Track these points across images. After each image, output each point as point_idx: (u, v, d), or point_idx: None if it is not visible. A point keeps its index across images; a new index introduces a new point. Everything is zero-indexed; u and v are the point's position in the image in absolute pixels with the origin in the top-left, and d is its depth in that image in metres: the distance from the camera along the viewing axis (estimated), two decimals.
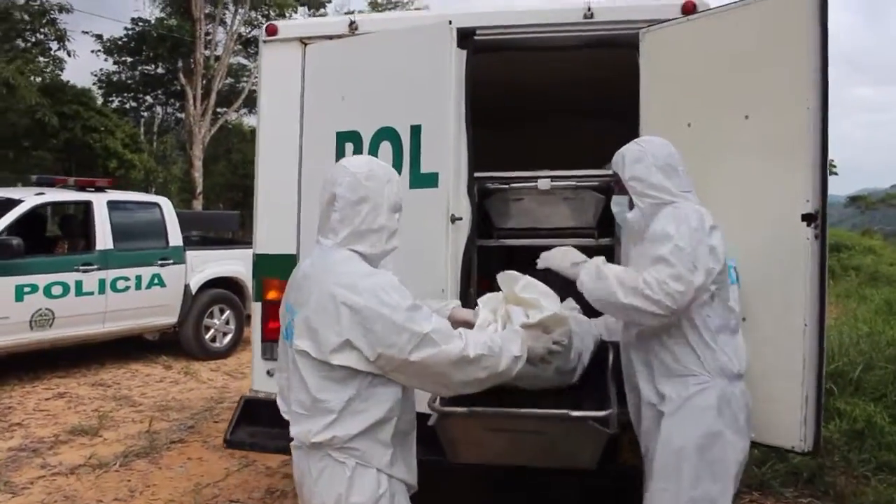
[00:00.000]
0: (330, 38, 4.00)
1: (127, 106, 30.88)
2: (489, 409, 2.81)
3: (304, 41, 4.04)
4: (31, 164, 21.14)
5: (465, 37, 3.67)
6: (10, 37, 19.96)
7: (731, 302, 2.81)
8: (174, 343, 9.83)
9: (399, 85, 3.69)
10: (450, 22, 3.58)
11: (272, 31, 4.10)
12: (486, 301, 2.94)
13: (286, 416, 2.49)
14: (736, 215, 3.06)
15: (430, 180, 3.56)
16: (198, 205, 23.55)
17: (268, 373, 4.10)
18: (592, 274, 2.79)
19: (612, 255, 3.94)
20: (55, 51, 21.23)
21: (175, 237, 9.47)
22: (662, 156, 2.88)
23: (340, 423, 2.30)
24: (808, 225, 2.91)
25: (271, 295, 4.08)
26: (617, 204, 3.05)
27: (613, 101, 4.43)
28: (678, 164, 2.88)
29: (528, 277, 2.90)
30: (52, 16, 19.87)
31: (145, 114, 31.91)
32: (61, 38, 20.30)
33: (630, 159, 2.94)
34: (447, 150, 3.56)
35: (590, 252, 3.00)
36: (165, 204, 9.67)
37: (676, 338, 2.75)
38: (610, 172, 4.02)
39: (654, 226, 2.76)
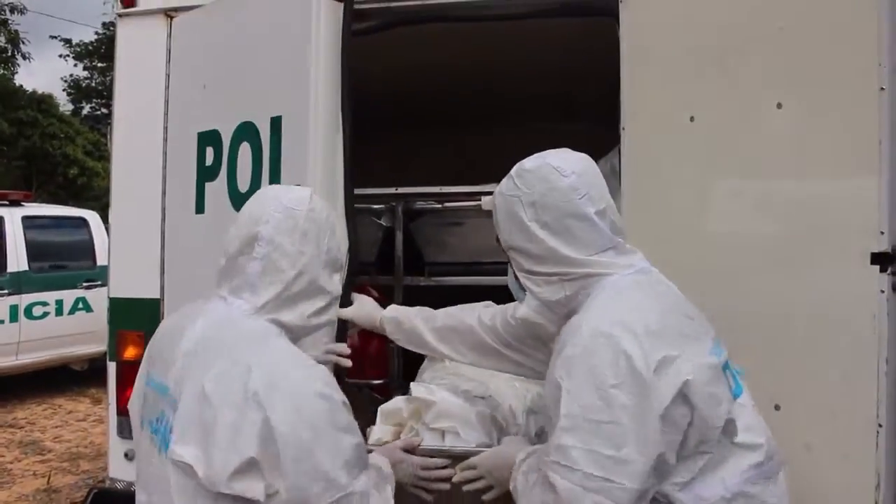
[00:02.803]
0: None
1: (98, 113, 30.18)
2: None
3: (169, 14, 3.06)
4: None
5: None
6: None
7: (721, 472, 1.56)
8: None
9: (257, 63, 2.69)
10: None
11: (129, 0, 3.09)
12: (387, 413, 2.19)
13: None
14: (764, 256, 2.22)
15: None
16: None
17: (126, 455, 3.12)
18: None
19: None
20: (8, 55, 20.19)
21: (105, 256, 8.42)
22: (551, 199, 1.72)
23: None
24: (883, 270, 2.02)
25: (130, 353, 3.11)
26: (512, 280, 1.93)
27: (583, 93, 3.43)
28: (590, 200, 1.72)
29: (442, 400, 2.17)
30: (1, 17, 18.87)
31: None
32: (14, 40, 19.28)
33: (501, 213, 1.82)
34: (314, 153, 2.51)
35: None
36: (93, 219, 8.77)
37: None
38: None
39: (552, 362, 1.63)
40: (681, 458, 1.52)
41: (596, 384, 1.48)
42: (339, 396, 1.61)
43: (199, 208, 2.83)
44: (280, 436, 1.49)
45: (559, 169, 1.74)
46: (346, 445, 1.57)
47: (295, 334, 1.73)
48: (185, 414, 1.55)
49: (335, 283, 1.81)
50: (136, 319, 3.07)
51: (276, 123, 2.57)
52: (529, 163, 1.80)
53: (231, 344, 1.63)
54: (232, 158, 2.71)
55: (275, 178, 2.55)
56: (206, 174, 2.81)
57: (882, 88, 1.98)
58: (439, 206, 3.11)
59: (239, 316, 1.69)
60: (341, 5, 2.57)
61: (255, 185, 2.59)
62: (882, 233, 2.00)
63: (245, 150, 2.67)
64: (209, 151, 2.81)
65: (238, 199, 2.67)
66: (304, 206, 1.74)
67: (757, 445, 1.59)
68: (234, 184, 2.71)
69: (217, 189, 2.76)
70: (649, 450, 1.45)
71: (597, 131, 2.87)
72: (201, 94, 2.87)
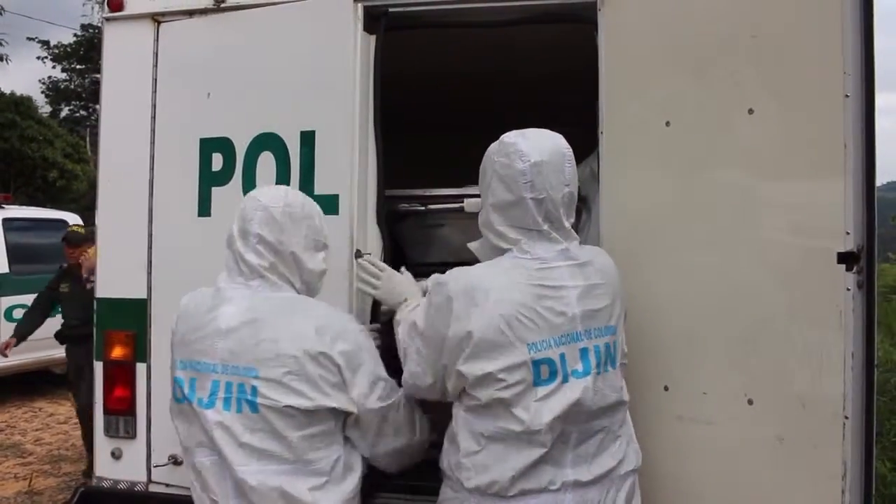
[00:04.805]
0: (190, 13, 3.05)
1: (77, 115, 29.88)
2: None
3: (157, 18, 3.08)
4: None
5: (375, 18, 2.84)
6: None
7: (518, 408, 1.97)
8: None
9: (284, 79, 2.85)
10: None
11: (116, 4, 3.12)
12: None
13: None
14: (736, 256, 2.28)
15: (328, 205, 2.73)
16: None
17: (112, 454, 3.12)
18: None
19: None
20: None
21: None
22: (506, 174, 2.07)
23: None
24: (849, 269, 2.04)
25: (117, 353, 3.11)
26: None
27: (564, 97, 3.50)
28: (532, 188, 2.03)
29: None
30: None
31: (97, 123, 30.86)
32: None
33: (483, 165, 2.20)
34: (351, 164, 2.75)
35: None
36: (74, 221, 8.64)
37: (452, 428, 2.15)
38: None
39: None
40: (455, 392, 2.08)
41: (432, 307, 2.08)
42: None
43: (204, 211, 2.92)
44: (349, 360, 2.08)
45: (522, 154, 2.05)
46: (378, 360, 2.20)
47: None
48: (270, 373, 2.02)
49: (318, 261, 2.25)
50: (123, 319, 3.08)
51: (307, 137, 2.78)
52: (510, 137, 2.11)
53: (277, 312, 2.10)
54: (249, 166, 2.85)
55: (306, 186, 2.75)
56: (213, 179, 2.88)
57: (847, 96, 2.02)
58: (423, 208, 3.15)
59: (267, 293, 2.14)
60: (374, 37, 2.83)
61: None
62: (847, 233, 2.04)
63: (267, 158, 2.83)
64: (217, 157, 2.91)
65: None
66: (280, 203, 2.16)
67: (518, 419, 1.97)
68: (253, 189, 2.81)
69: (229, 193, 2.86)
70: (434, 369, 2.08)
71: (576, 135, 2.94)
72: (205, 102, 2.94)
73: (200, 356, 2.10)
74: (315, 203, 2.30)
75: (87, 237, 6.02)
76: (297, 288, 2.20)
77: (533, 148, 2.05)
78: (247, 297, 2.13)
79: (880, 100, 2.02)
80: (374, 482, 2.82)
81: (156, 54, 3.06)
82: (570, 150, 2.13)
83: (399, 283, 2.59)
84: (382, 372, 2.21)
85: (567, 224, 2.10)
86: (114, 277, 3.14)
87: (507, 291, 1.99)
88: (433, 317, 2.08)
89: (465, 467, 2.03)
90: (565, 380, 1.99)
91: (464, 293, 2.01)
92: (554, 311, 1.99)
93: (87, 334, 5.48)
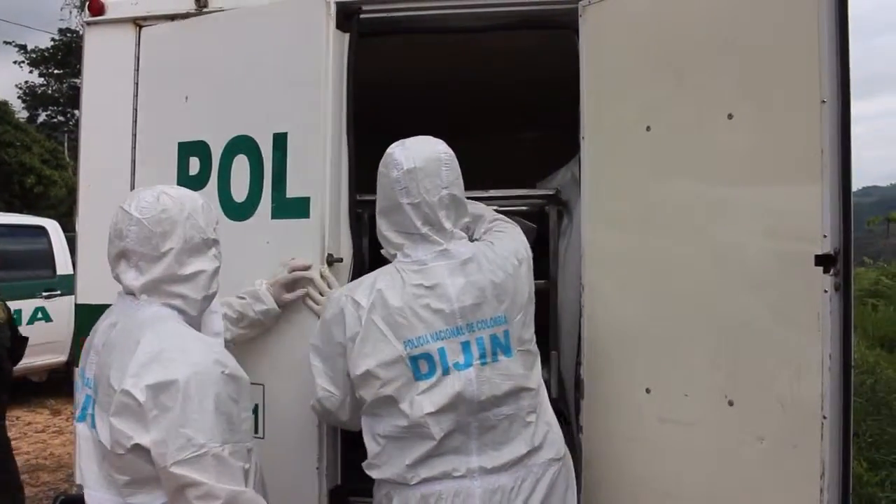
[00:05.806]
0: (172, 17, 3.05)
1: (55, 120, 29.65)
2: None
3: (138, 23, 3.08)
4: None
5: (348, 16, 2.83)
6: None
7: (403, 403, 2.15)
8: (67, 383, 8.69)
9: (258, 80, 2.84)
10: None
11: (97, 8, 3.12)
12: None
13: None
14: (716, 260, 2.29)
15: (300, 208, 2.75)
16: None
17: None
18: None
19: (546, 301, 3.02)
20: None
21: (65, 265, 8.37)
22: (384, 183, 2.27)
23: None
24: (826, 272, 2.04)
25: None
26: None
27: (547, 103, 3.54)
28: (407, 193, 2.20)
29: None
30: None
31: (75, 129, 30.69)
32: None
33: None
34: (322, 167, 2.74)
35: None
36: (53, 227, 8.58)
37: None
38: (543, 192, 3.17)
39: None
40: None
41: (320, 331, 2.30)
42: (216, 367, 1.89)
43: None
44: (157, 396, 1.80)
45: (396, 162, 2.22)
46: (209, 410, 1.82)
47: (189, 313, 2.05)
48: (99, 399, 1.92)
49: (207, 261, 2.08)
50: None
51: (279, 139, 2.76)
52: (391, 147, 2.27)
53: (126, 335, 1.94)
54: (224, 169, 2.84)
55: (278, 189, 2.76)
56: (190, 183, 2.83)
57: (823, 101, 2.03)
58: None
59: (133, 310, 2.00)
60: (347, 35, 2.82)
61: (255, 195, 2.79)
62: (825, 236, 2.04)
63: (241, 162, 2.82)
64: (193, 161, 2.90)
65: (232, 208, 2.83)
66: (152, 213, 1.99)
67: (406, 415, 2.13)
68: (228, 193, 2.84)
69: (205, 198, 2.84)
70: (339, 383, 2.24)
71: (558, 140, 2.97)
72: (182, 106, 2.94)
73: (85, 369, 2.08)
74: (196, 196, 2.12)
75: None
76: (184, 294, 2.03)
77: (407, 157, 2.21)
78: (117, 313, 2.07)
79: (852, 107, 2.04)
80: (347, 487, 2.82)
81: (137, 58, 3.06)
82: (451, 154, 2.27)
83: None
84: (200, 437, 1.81)
85: (448, 225, 2.23)
86: (94, 284, 3.09)
87: (387, 294, 2.16)
88: (329, 329, 2.24)
89: (371, 466, 2.21)
90: (446, 372, 2.14)
91: (352, 301, 2.20)
92: (430, 308, 2.15)
93: None
